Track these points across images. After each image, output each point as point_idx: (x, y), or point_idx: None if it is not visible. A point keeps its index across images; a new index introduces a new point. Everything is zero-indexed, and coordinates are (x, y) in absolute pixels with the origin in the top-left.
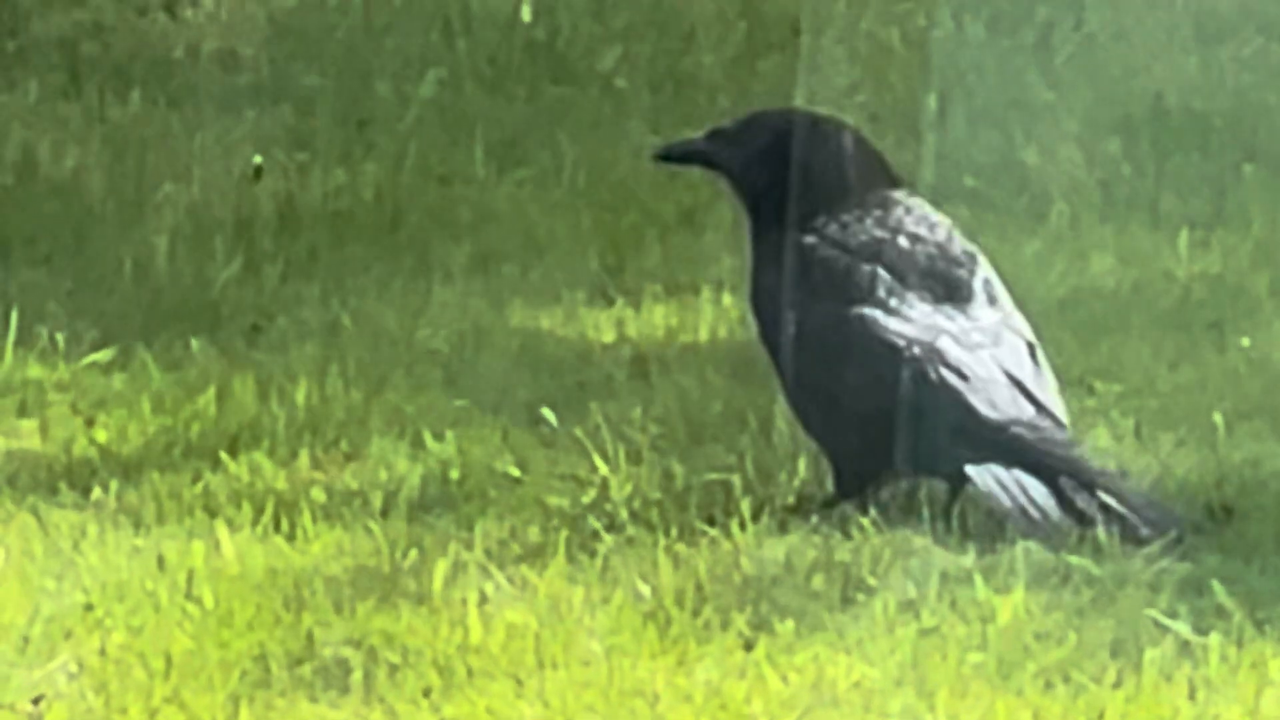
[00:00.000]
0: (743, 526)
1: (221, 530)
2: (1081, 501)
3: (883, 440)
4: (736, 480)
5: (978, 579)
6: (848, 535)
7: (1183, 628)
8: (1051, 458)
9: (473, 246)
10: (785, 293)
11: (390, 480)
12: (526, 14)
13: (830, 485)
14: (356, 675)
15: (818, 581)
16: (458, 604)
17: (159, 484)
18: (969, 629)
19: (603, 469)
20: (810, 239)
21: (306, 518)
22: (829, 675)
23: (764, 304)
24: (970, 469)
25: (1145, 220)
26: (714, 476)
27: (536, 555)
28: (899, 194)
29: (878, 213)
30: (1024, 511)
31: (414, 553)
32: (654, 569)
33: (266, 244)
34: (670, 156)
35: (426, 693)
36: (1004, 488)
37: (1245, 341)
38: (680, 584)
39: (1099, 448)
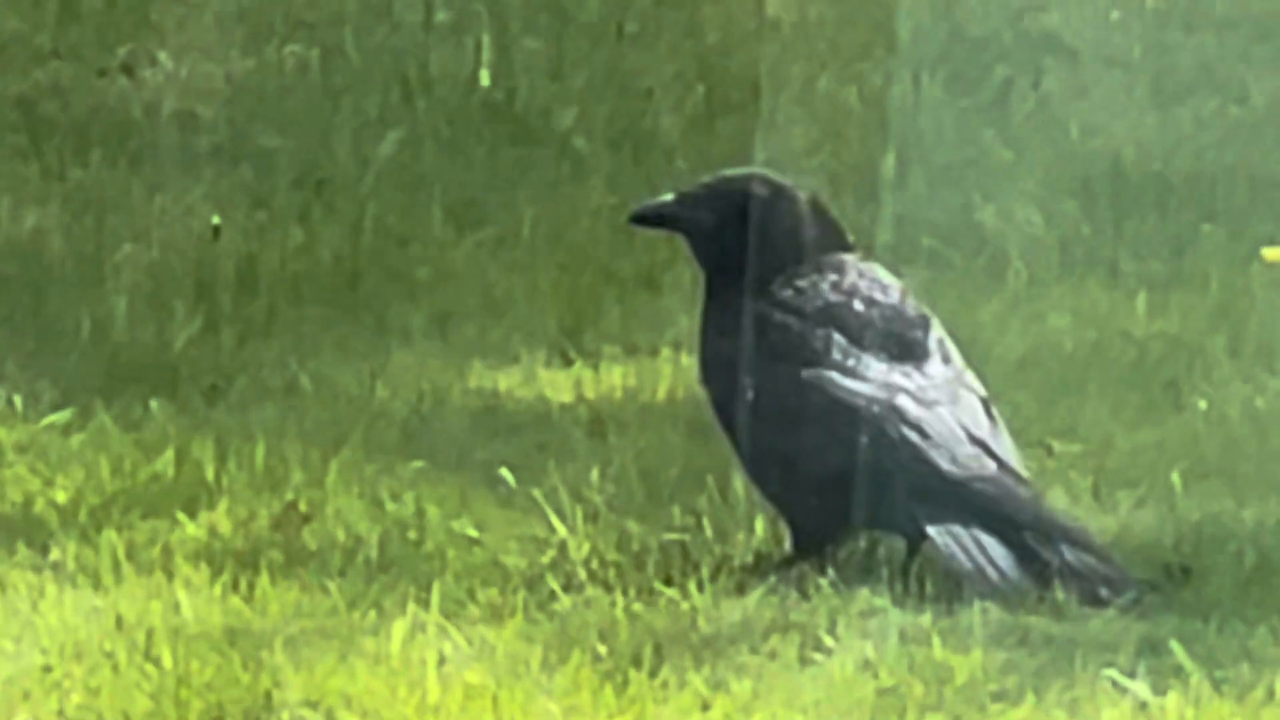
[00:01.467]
0: (700, 587)
1: (180, 590)
2: (1045, 557)
3: (842, 500)
4: (694, 540)
5: (935, 639)
6: (805, 595)
7: (1141, 688)
8: (1018, 513)
9: (431, 307)
10: (741, 357)
11: (348, 540)
12: (485, 78)
13: (788, 545)
14: None
15: (775, 642)
16: (416, 664)
17: (117, 544)
18: (927, 689)
19: (560, 529)
20: (766, 304)
21: (265, 578)
22: None
23: (717, 369)
24: (931, 528)
25: (1103, 280)
26: (671, 537)
27: (494, 615)
28: (852, 257)
29: (833, 276)
30: (982, 571)
31: (372, 613)
32: (612, 629)
33: (225, 304)
34: (643, 219)
35: None
36: (963, 547)
37: (1203, 404)
38: (638, 644)
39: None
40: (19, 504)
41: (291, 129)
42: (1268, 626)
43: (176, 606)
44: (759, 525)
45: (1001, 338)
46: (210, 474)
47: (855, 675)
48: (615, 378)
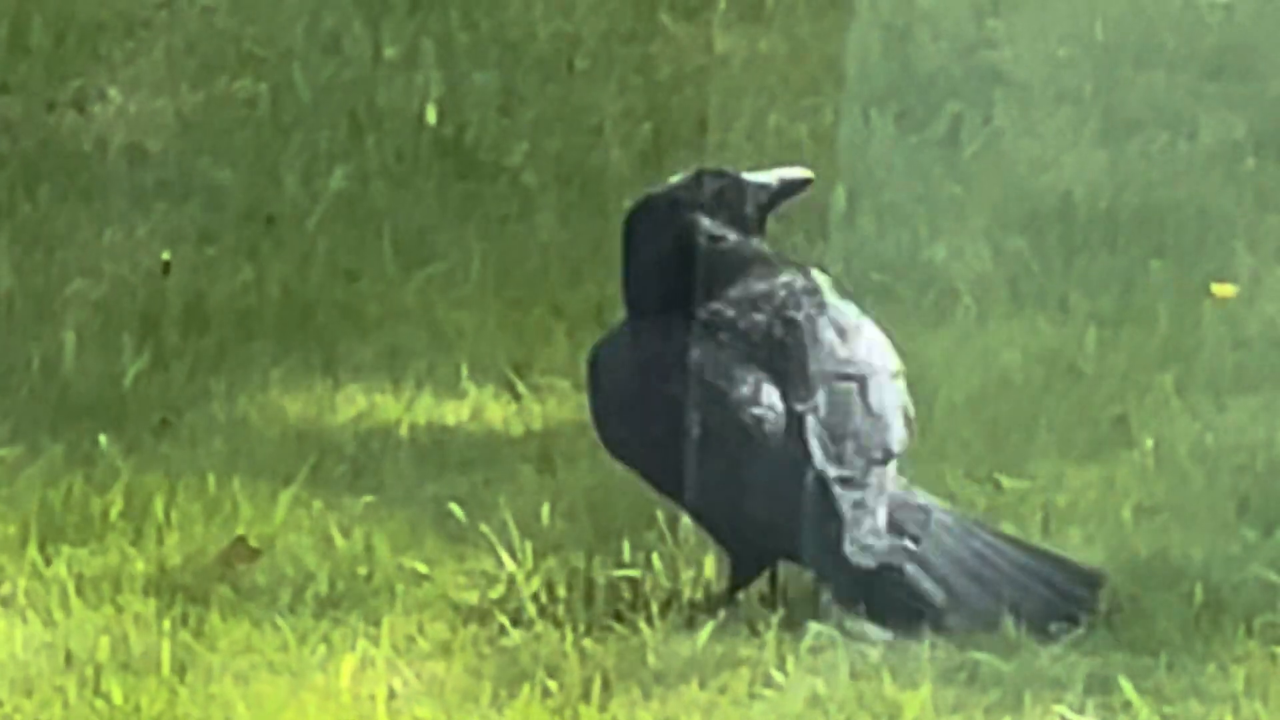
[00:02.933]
0: (650, 622)
1: (129, 625)
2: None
3: (784, 527)
4: (644, 576)
5: (885, 675)
6: (755, 632)
7: None
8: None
9: (380, 341)
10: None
11: (298, 576)
12: (431, 116)
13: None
14: None
15: (725, 677)
16: (365, 699)
17: (67, 579)
18: None
19: (510, 564)
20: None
21: (214, 613)
22: None
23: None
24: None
25: (1052, 316)
26: (621, 572)
27: (444, 650)
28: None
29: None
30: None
31: (321, 648)
32: (561, 664)
33: (175, 339)
34: None
35: None
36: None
37: (1149, 443)
38: (587, 679)
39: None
40: None
41: (241, 164)
42: (1217, 663)
43: (126, 641)
44: (708, 561)
45: (950, 373)
46: (160, 509)
47: (805, 711)
48: (565, 412)
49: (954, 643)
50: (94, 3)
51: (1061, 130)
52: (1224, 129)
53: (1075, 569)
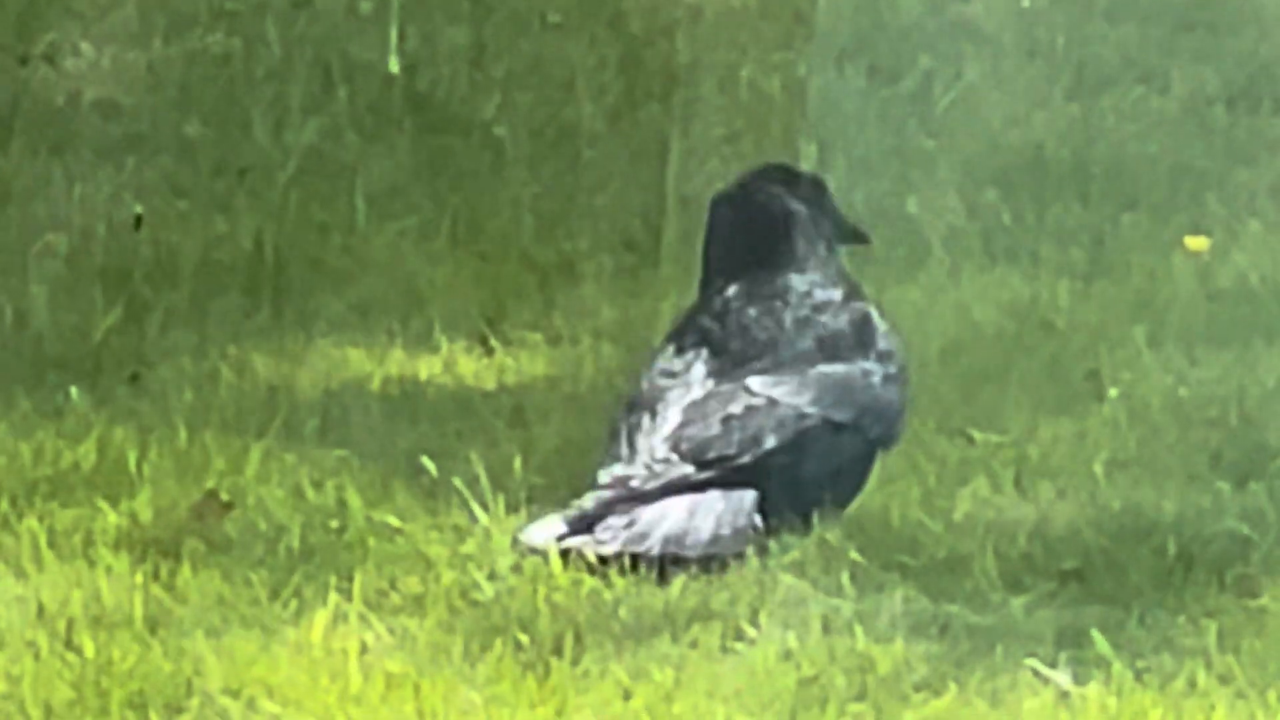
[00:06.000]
0: (622, 574)
1: (101, 579)
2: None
3: None
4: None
5: (858, 629)
6: (726, 585)
7: (1063, 678)
8: None
9: (352, 295)
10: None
11: (270, 529)
12: (394, 65)
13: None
14: None
15: (697, 631)
16: (338, 653)
17: (39, 532)
18: (849, 679)
19: (483, 518)
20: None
21: (186, 566)
22: None
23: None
24: None
25: (1025, 270)
26: None
27: (416, 605)
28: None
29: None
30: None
31: (294, 602)
32: (533, 618)
33: (146, 293)
34: None
35: None
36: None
37: (1114, 393)
38: (559, 633)
39: (979, 497)
40: None
41: (212, 118)
42: (1189, 616)
43: (98, 594)
44: None
45: (922, 327)
46: (131, 462)
47: (777, 665)
48: (537, 366)
49: (927, 596)
50: None
51: (1033, 84)
52: (1196, 82)
53: None
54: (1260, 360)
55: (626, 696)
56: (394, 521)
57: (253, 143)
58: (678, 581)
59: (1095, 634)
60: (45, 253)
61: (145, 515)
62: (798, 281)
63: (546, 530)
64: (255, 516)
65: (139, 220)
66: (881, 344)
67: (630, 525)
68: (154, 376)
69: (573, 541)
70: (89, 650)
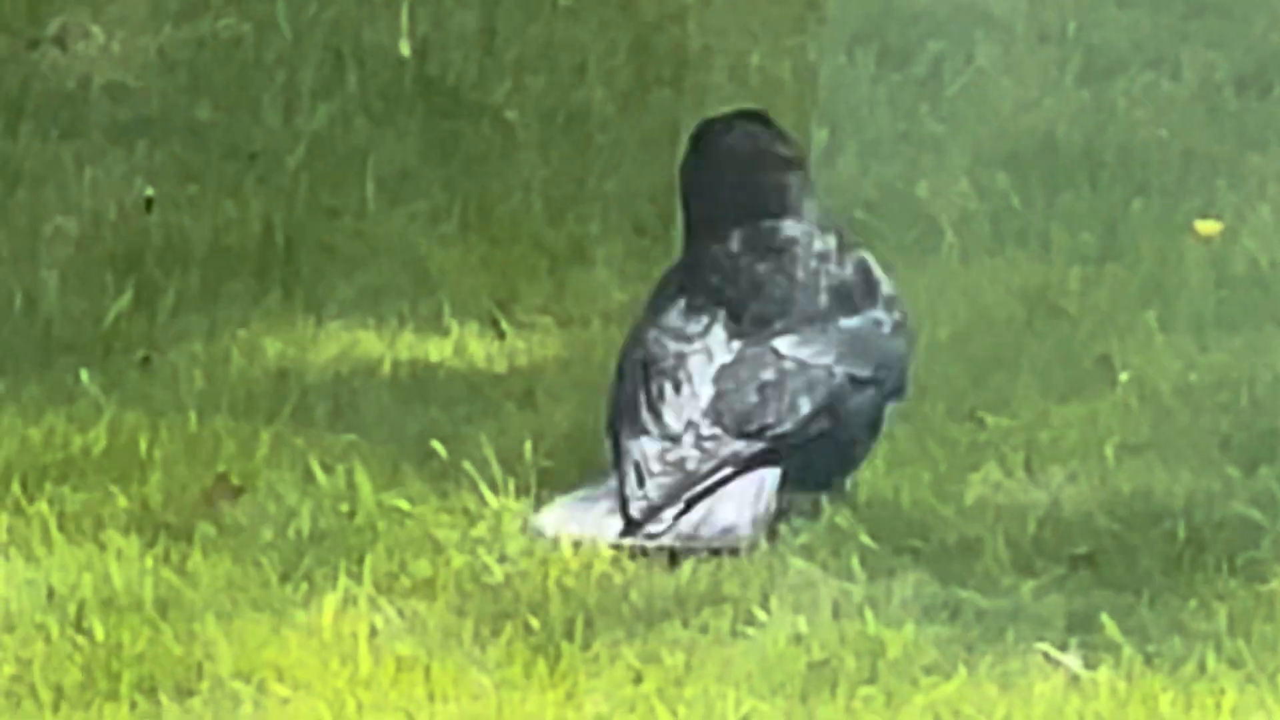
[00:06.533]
0: (633, 558)
1: (112, 562)
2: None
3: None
4: None
5: (868, 613)
6: (737, 569)
7: (1073, 662)
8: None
9: (362, 279)
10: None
11: (280, 513)
12: (405, 49)
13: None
14: (246, 708)
15: (707, 615)
16: (348, 637)
17: (49, 516)
18: (859, 663)
19: (493, 502)
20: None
21: (197, 550)
22: (719, 709)
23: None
24: None
25: (1035, 254)
26: None
27: (426, 588)
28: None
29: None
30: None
31: (304, 585)
32: (544, 602)
33: (157, 277)
34: None
35: None
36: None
37: (1124, 377)
38: (570, 617)
39: (990, 482)
40: None
41: (224, 102)
42: (1199, 601)
43: (108, 578)
44: None
45: (933, 311)
46: (142, 446)
47: (787, 649)
48: (547, 349)
49: (937, 580)
50: None
51: (1044, 69)
52: (1206, 68)
53: None
54: (1271, 345)
55: (637, 680)
56: (404, 505)
57: (263, 126)
58: (688, 565)
59: (1105, 618)
60: (55, 236)
61: (156, 499)
62: (797, 229)
63: (568, 518)
64: (265, 500)
65: (149, 204)
66: (884, 289)
67: (681, 519)
68: (164, 360)
69: (629, 541)
70: (99, 633)
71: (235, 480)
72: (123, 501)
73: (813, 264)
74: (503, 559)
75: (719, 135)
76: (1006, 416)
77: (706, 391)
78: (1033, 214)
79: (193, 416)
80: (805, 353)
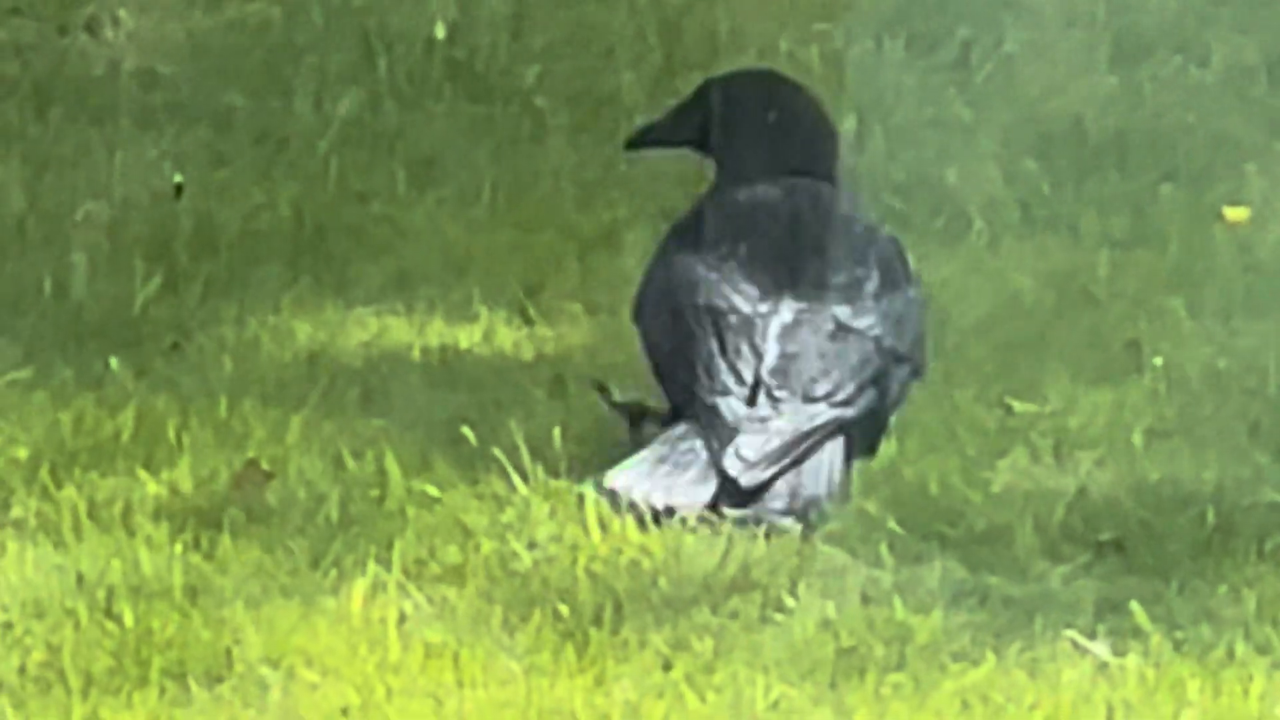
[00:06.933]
0: (662, 546)
1: (141, 548)
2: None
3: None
4: None
5: (896, 599)
6: (766, 555)
7: (1101, 649)
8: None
9: (391, 264)
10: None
11: (309, 499)
12: (440, 31)
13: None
14: (275, 694)
15: (736, 601)
16: (377, 623)
17: (78, 501)
18: (887, 649)
19: (521, 488)
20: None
21: (226, 536)
22: (747, 695)
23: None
24: None
25: (1064, 239)
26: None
27: (455, 574)
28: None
29: None
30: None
31: (333, 571)
32: (573, 588)
33: (185, 262)
34: (635, 143)
35: (345, 711)
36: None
37: (1158, 361)
38: (599, 603)
39: (1018, 468)
40: None
41: (253, 87)
42: (1228, 587)
43: (137, 564)
44: None
45: (961, 297)
46: (171, 432)
47: (816, 635)
48: (576, 335)
49: (966, 566)
50: None
51: (1072, 54)
52: (1235, 53)
53: None
54: None
55: (666, 666)
56: (433, 491)
57: (293, 111)
58: (717, 550)
59: (1134, 605)
60: (85, 222)
61: (185, 485)
62: (836, 196)
63: (647, 482)
64: (295, 486)
65: (179, 189)
66: (912, 270)
67: (771, 488)
68: (194, 346)
69: (737, 512)
70: (128, 619)
71: (265, 466)
72: (152, 487)
73: (860, 234)
74: (532, 545)
75: (770, 85)
76: (1035, 402)
77: (773, 350)
78: (1061, 199)
79: (222, 402)
80: (862, 323)
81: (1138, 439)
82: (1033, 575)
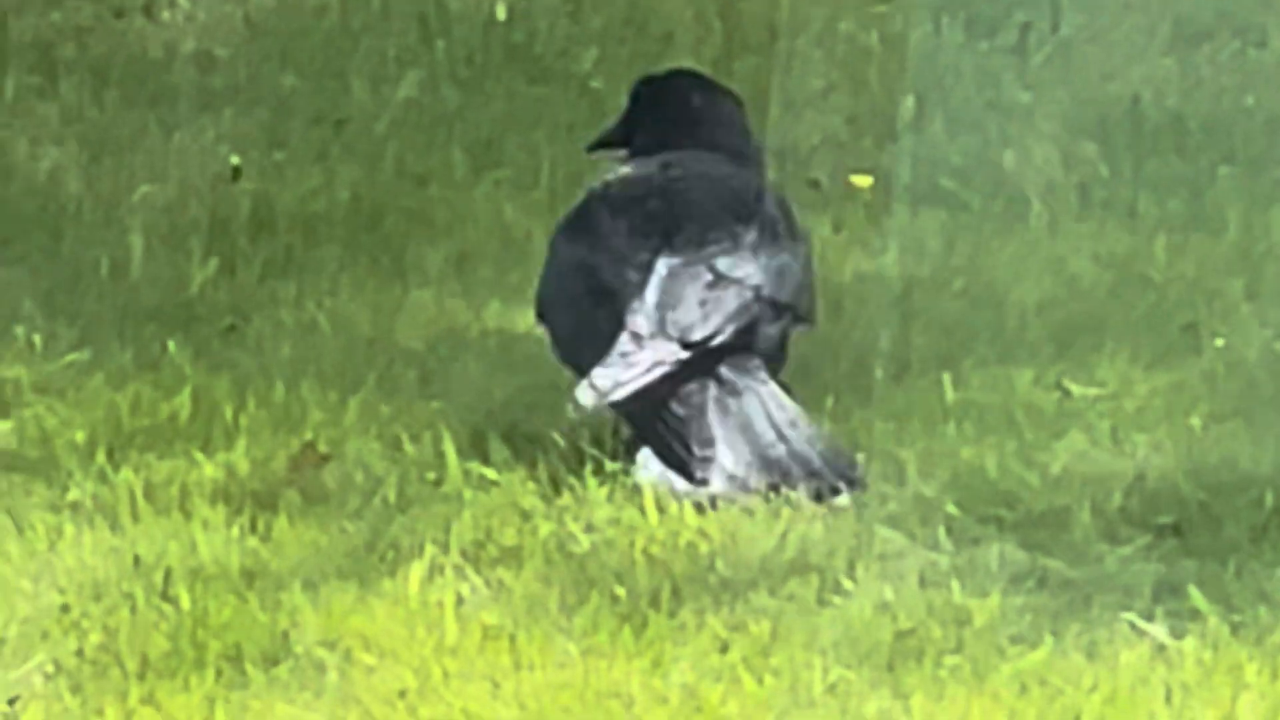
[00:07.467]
0: (719, 528)
1: (198, 531)
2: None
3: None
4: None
5: (954, 582)
6: (825, 538)
7: (1159, 631)
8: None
9: (449, 247)
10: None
11: (366, 481)
12: (501, 12)
13: None
14: (332, 676)
15: (794, 584)
16: (434, 605)
17: (135, 484)
18: (945, 632)
19: (579, 471)
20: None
21: (283, 518)
22: (805, 678)
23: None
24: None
25: (1122, 222)
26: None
27: (513, 557)
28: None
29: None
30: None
31: (390, 554)
32: (630, 571)
33: (243, 244)
34: (593, 146)
35: (402, 694)
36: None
37: (1219, 342)
38: (656, 586)
39: (1076, 451)
40: (38, 443)
41: (310, 69)
42: None
43: (194, 547)
44: None
45: (1020, 280)
46: (228, 414)
47: (874, 618)
48: None
49: (1023, 549)
50: None
51: (1130, 37)
52: None
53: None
54: None
55: (723, 649)
56: (490, 474)
57: (350, 94)
58: (775, 532)
59: (1192, 587)
60: (142, 204)
61: (242, 467)
62: (728, 163)
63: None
64: (352, 468)
65: (236, 172)
66: (799, 227)
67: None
68: (251, 328)
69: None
70: (185, 602)
71: (322, 448)
72: (209, 470)
73: (741, 192)
74: (589, 528)
75: (665, 78)
76: (1093, 385)
77: (650, 300)
78: (1119, 183)
79: (279, 384)
80: (739, 273)
81: (1195, 421)
82: (1091, 558)
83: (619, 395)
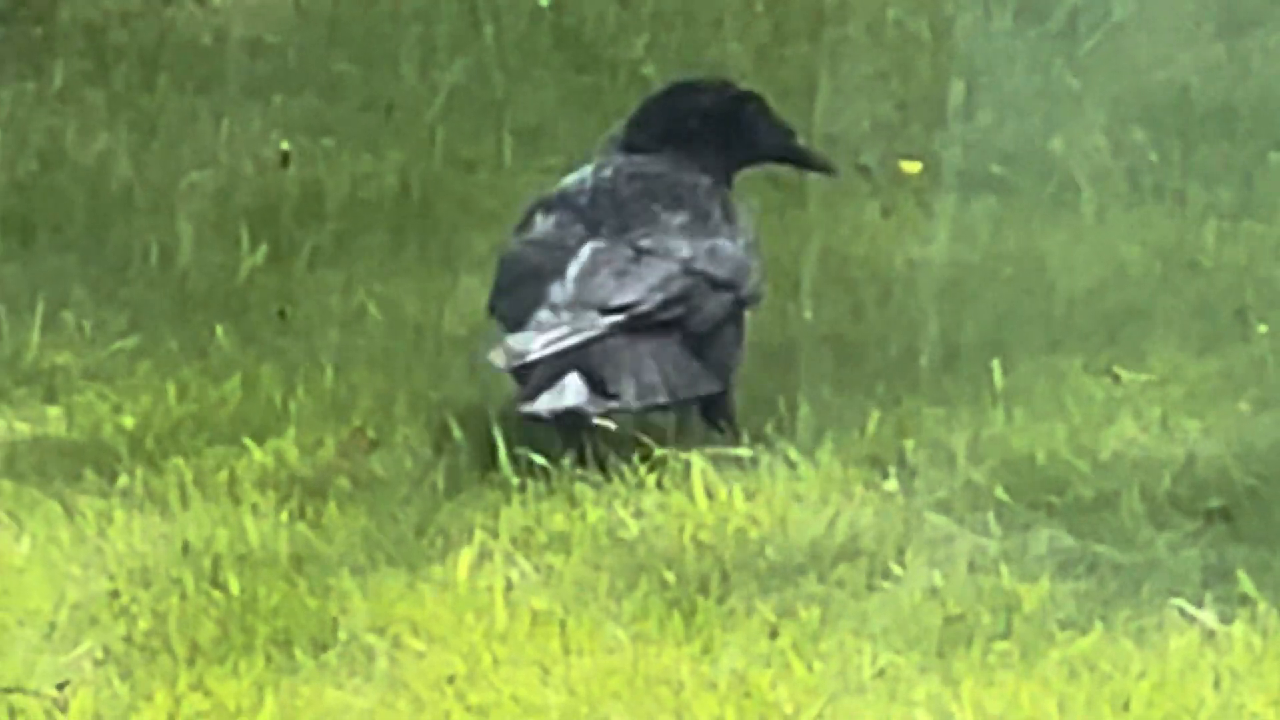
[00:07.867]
0: (769, 513)
1: (247, 517)
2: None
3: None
4: (764, 466)
5: (1003, 567)
6: (873, 524)
7: (1208, 617)
8: None
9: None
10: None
11: (415, 467)
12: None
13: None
14: (381, 662)
15: (843, 569)
16: (483, 591)
17: (185, 470)
18: (994, 617)
19: (628, 456)
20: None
21: (332, 505)
22: (854, 663)
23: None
24: None
25: (1171, 209)
26: (742, 452)
27: (561, 543)
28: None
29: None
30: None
31: (439, 540)
32: (679, 556)
33: (292, 230)
34: None
35: (451, 680)
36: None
37: (1263, 328)
38: (705, 571)
39: (1125, 436)
40: (87, 430)
41: (360, 55)
42: None
43: (243, 533)
44: (826, 451)
45: (1069, 266)
46: (278, 401)
47: (923, 603)
48: None
49: (1073, 535)
50: None
51: (1180, 23)
52: None
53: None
54: None
55: (773, 634)
56: (539, 459)
57: (400, 80)
58: (824, 518)
59: (1241, 573)
60: (192, 191)
61: (291, 454)
62: (665, 165)
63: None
64: (401, 454)
65: (286, 158)
66: (741, 220)
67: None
68: (300, 314)
69: (592, 407)
70: (234, 588)
71: (371, 434)
72: (258, 456)
73: (679, 187)
74: (638, 514)
75: (663, 89)
76: (1142, 371)
77: (571, 274)
78: (1169, 169)
79: (328, 371)
80: (663, 248)
81: (1245, 407)
82: (1140, 543)
83: (530, 359)
